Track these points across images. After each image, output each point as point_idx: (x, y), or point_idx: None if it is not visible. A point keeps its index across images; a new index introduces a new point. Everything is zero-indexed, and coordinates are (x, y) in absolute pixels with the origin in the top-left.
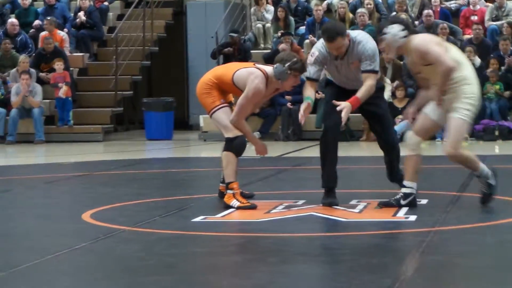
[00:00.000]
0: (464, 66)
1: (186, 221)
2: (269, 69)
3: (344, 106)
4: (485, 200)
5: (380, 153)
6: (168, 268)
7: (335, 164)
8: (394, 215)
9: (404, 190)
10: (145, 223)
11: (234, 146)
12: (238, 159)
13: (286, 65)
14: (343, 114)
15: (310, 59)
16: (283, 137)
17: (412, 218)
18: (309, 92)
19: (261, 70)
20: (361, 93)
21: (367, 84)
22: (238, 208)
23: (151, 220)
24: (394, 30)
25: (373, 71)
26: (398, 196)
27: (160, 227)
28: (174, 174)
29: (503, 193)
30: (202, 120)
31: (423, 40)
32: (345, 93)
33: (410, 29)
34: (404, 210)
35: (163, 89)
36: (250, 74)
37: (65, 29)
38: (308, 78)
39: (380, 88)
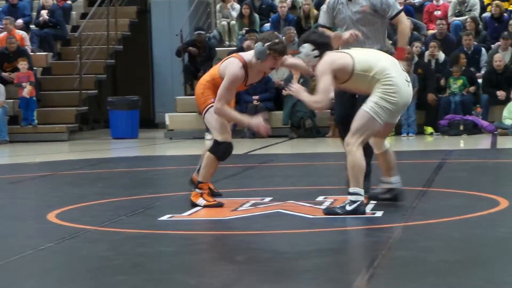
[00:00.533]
0: (379, 62)
1: (152, 220)
2: (250, 54)
3: None
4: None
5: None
6: (135, 268)
7: None
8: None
9: (350, 197)
10: (111, 223)
11: (219, 150)
12: (219, 163)
13: (266, 44)
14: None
15: (324, 6)
16: (249, 134)
17: (379, 213)
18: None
19: (239, 57)
20: (402, 40)
21: (402, 27)
22: (205, 206)
23: (117, 219)
24: (305, 50)
25: (400, 12)
26: (343, 203)
27: (126, 227)
28: (140, 173)
29: (469, 187)
30: (168, 118)
31: (321, 66)
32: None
33: (322, 48)
34: (371, 206)
35: (128, 88)
36: (228, 63)
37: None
38: (323, 26)
39: None
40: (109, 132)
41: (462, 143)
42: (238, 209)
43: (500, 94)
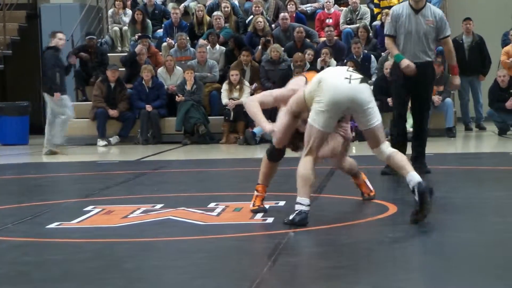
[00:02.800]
0: (323, 81)
1: (40, 228)
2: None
3: None
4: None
5: (239, 155)
6: (21, 277)
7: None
8: (252, 217)
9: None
10: None
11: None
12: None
13: None
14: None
15: (388, 18)
16: (142, 140)
17: (270, 220)
18: (396, 50)
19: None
20: (453, 58)
21: (450, 47)
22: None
23: (2, 227)
24: None
25: (449, 36)
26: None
27: (12, 235)
28: (29, 180)
29: (359, 194)
30: None
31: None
32: (410, 86)
33: None
34: (262, 212)
35: (18, 94)
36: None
37: None
38: (389, 35)
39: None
40: None
41: (353, 149)
42: (129, 216)
43: (391, 101)
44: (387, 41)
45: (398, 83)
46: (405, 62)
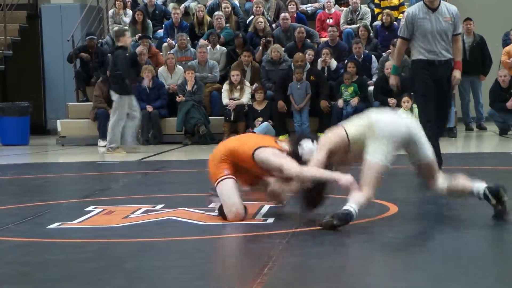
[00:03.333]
0: (375, 122)
1: (41, 228)
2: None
3: None
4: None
5: None
6: (21, 277)
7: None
8: (253, 217)
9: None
10: None
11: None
12: None
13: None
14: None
15: (403, 20)
16: (143, 140)
17: (271, 220)
18: (399, 61)
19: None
20: (460, 55)
21: (459, 45)
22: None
23: (3, 227)
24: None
25: (460, 33)
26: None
27: (13, 235)
28: (30, 180)
29: None
30: (60, 124)
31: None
32: (433, 86)
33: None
34: (263, 212)
35: (19, 94)
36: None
37: None
38: (402, 37)
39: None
40: None
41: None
42: (129, 216)
43: (391, 101)
44: (399, 44)
45: (424, 81)
46: (393, 79)
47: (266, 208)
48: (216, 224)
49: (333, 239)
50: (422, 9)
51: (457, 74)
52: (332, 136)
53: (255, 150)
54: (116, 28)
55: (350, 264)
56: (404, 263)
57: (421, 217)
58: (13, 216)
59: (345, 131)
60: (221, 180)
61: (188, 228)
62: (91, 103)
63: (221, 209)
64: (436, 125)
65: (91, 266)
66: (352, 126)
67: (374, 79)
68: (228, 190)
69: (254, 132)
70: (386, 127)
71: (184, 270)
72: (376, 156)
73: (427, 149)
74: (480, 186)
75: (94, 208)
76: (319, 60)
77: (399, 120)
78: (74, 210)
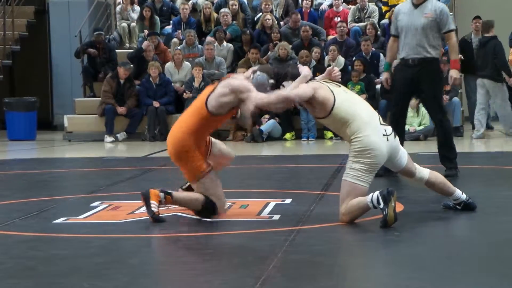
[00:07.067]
0: (355, 118)
1: (47, 223)
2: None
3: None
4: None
5: (246, 152)
6: (27, 271)
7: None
8: (258, 214)
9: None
10: (3, 225)
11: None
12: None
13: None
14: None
15: (393, 18)
16: (149, 137)
17: (276, 217)
18: (389, 58)
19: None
20: (455, 53)
21: (453, 42)
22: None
23: (9, 222)
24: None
25: (452, 30)
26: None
27: (19, 230)
28: (36, 175)
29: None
30: (67, 120)
31: (306, 85)
32: (410, 83)
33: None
34: (268, 209)
35: (26, 89)
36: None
37: None
38: (391, 35)
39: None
40: (5, 133)
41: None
42: (135, 212)
43: None
44: (389, 41)
45: (399, 81)
46: (384, 75)
47: (272, 205)
48: (222, 220)
49: (337, 237)
50: (406, 5)
51: (453, 73)
52: (322, 92)
53: (206, 101)
54: None
55: (355, 262)
56: (408, 262)
57: (425, 216)
58: (19, 211)
59: (334, 99)
60: (202, 176)
61: (194, 224)
62: (98, 98)
63: (200, 210)
64: (433, 121)
65: (96, 261)
66: (344, 102)
67: (381, 77)
68: (212, 184)
69: (261, 130)
70: (374, 152)
71: (189, 266)
72: (362, 181)
73: (402, 157)
74: (460, 197)
75: (99, 203)
76: (326, 57)
77: (384, 145)
78: (80, 206)
